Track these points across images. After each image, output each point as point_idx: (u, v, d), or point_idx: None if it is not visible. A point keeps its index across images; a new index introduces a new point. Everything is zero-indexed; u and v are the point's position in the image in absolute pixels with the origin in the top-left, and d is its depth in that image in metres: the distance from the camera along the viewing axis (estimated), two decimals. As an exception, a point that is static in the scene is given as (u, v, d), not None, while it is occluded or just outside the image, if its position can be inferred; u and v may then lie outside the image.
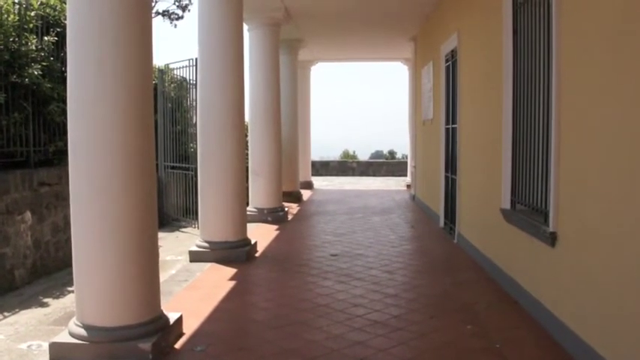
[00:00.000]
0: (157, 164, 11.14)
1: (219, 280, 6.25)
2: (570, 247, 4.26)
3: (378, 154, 36.12)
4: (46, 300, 5.87)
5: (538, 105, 4.93)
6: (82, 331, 3.96)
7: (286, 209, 11.24)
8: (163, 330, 4.19)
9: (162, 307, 5.07)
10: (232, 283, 6.14)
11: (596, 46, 3.83)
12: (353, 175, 23.07)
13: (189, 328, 4.67)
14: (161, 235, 9.95)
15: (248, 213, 10.17)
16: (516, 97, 5.57)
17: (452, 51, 8.79)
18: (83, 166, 3.95)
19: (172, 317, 4.47)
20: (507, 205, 5.78)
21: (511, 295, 5.53)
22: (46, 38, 7.09)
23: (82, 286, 4.05)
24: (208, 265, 6.91)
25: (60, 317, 5.20)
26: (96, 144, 3.90)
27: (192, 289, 5.92)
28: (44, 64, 6.89)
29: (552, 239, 4.48)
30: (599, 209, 3.77)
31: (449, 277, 6.40)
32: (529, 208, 5.26)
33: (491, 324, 4.78)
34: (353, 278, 6.23)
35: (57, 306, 5.65)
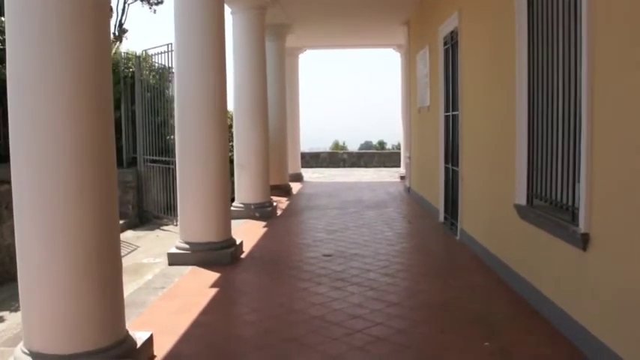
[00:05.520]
0: (135, 157, 10.51)
1: (199, 287, 5.58)
2: (607, 251, 3.62)
3: (367, 145, 35.51)
4: (1, 314, 5.19)
5: (563, 83, 4.28)
6: (29, 360, 3.30)
7: (275, 204, 10.56)
8: (128, 355, 3.53)
9: (133, 322, 4.49)
10: (214, 290, 5.47)
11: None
12: (344, 166, 22.43)
13: (161, 348, 4.01)
14: (140, 233, 9.30)
15: (234, 209, 9.53)
16: (533, 77, 4.92)
17: (451, 32, 8.13)
18: (25, 164, 3.29)
19: (141, 338, 3.81)
20: (522, 201, 5.14)
21: (529, 303, 4.90)
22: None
23: (29, 306, 3.38)
24: (189, 268, 6.23)
25: (15, 335, 4.51)
26: (39, 137, 3.22)
27: (168, 298, 5.25)
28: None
29: (584, 241, 3.84)
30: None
31: (455, 280, 5.77)
32: (550, 204, 4.62)
33: (512, 339, 4.14)
34: (349, 283, 5.58)
35: (14, 320, 4.98)
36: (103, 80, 3.44)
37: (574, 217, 4.07)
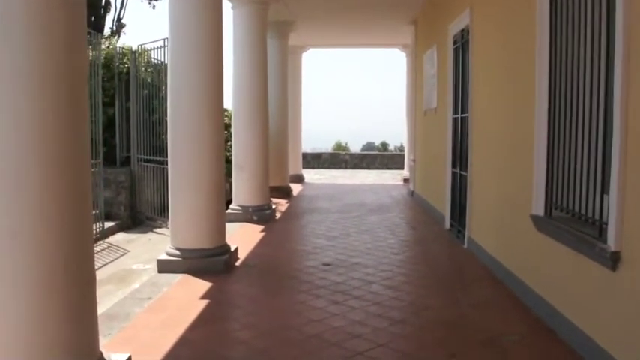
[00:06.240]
0: (129, 157, 10.11)
1: (188, 298, 5.18)
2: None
3: (369, 146, 35.15)
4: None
5: (591, 82, 3.87)
6: (-14, 388, 2.89)
7: (274, 207, 10.16)
8: (101, 382, 3.13)
9: (114, 338, 4.17)
10: (204, 302, 5.07)
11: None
12: (346, 167, 22.02)
13: (141, 371, 3.62)
14: (132, 236, 8.90)
15: (231, 212, 9.15)
16: (554, 77, 4.51)
17: (462, 31, 7.73)
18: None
19: (117, 361, 3.41)
20: (540, 211, 4.73)
21: (545, 322, 4.49)
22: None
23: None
24: (179, 276, 5.83)
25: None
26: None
27: (154, 310, 4.84)
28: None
29: (613, 261, 3.44)
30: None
31: (464, 294, 5.37)
32: (572, 216, 4.22)
33: (530, 367, 3.74)
34: (350, 296, 5.18)
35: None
36: (75, 67, 3.02)
37: (601, 233, 3.66)
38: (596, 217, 3.77)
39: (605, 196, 3.65)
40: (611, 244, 3.46)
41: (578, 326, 3.96)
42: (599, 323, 3.70)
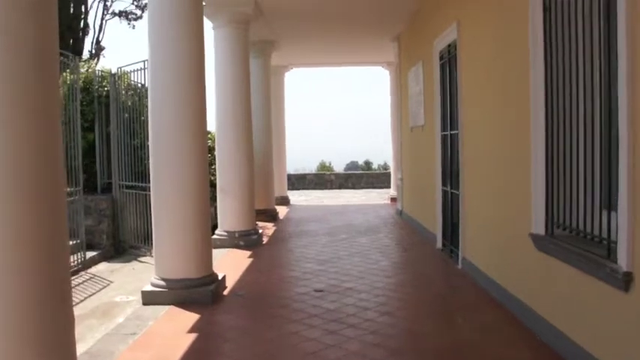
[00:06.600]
0: (110, 183, 9.83)
1: (175, 332, 4.91)
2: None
3: (353, 165, 35.06)
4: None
5: (592, 92, 3.72)
6: None
7: (260, 231, 9.91)
8: None
9: None
10: (192, 336, 4.79)
11: None
12: (331, 187, 21.82)
13: (126, 416, 3.35)
14: (115, 266, 8.59)
15: (217, 237, 8.90)
16: (551, 88, 4.34)
17: (448, 46, 7.59)
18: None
19: (99, 407, 3.14)
20: (541, 230, 4.53)
21: (551, 347, 4.29)
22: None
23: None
24: (165, 309, 5.55)
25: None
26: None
27: (139, 348, 4.56)
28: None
29: (626, 282, 3.25)
30: None
31: (464, 319, 5.14)
32: (577, 234, 4.04)
33: (542, 397, 3.52)
34: (345, 325, 4.94)
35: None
36: (46, 90, 2.79)
37: (610, 252, 3.48)
38: (603, 235, 3.59)
39: (612, 212, 3.47)
40: (623, 264, 3.28)
41: (587, 350, 3.76)
42: (610, 347, 3.51)
